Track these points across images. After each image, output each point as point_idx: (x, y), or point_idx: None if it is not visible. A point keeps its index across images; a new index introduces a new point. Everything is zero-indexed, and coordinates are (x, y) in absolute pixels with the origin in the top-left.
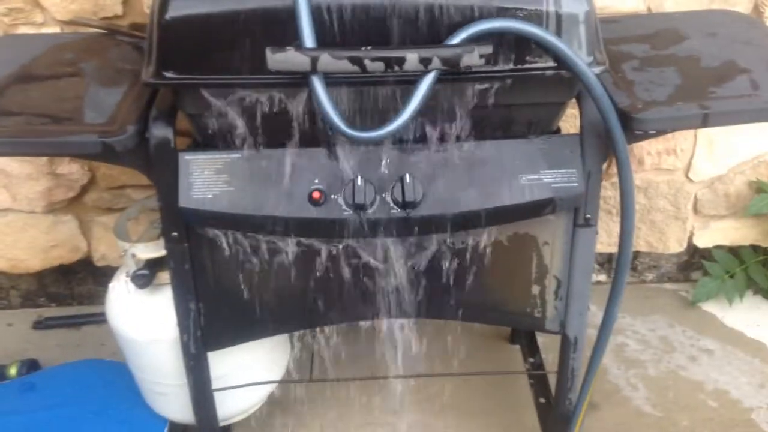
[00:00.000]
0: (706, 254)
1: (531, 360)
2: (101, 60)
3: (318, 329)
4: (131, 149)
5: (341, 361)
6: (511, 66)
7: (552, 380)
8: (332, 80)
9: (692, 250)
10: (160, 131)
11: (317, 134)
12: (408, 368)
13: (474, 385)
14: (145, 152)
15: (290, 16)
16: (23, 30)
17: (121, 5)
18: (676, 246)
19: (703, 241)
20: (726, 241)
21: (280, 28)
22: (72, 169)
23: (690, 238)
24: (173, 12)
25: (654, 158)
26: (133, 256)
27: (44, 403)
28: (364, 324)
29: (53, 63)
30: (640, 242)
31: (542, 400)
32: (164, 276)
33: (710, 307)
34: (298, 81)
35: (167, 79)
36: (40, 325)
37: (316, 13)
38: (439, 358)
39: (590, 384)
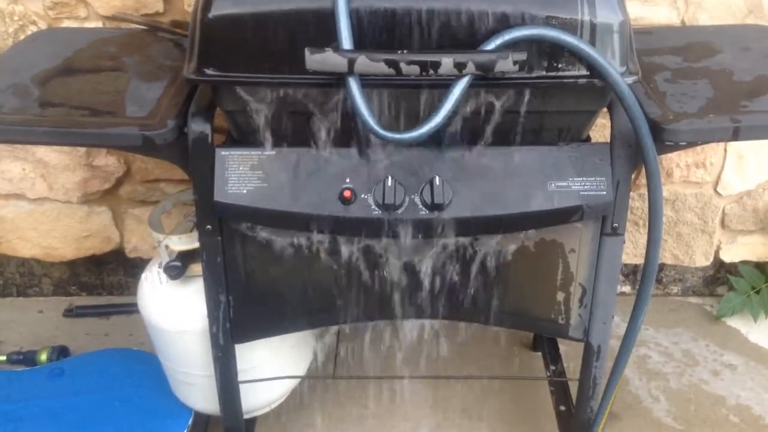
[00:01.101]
0: (732, 269)
1: (552, 368)
2: (142, 55)
3: (343, 327)
4: (170, 143)
5: (364, 360)
6: (544, 73)
7: (573, 389)
8: (368, 82)
9: (718, 265)
10: (198, 126)
11: (350, 134)
12: (430, 370)
13: (495, 390)
14: (183, 146)
15: (329, 18)
16: (67, 24)
17: (162, 2)
18: (702, 260)
19: (729, 256)
20: (752, 257)
21: (319, 30)
22: (108, 162)
23: (716, 253)
24: (216, 11)
25: (683, 171)
26: (167, 247)
27: (72, 389)
28: (387, 324)
29: (95, 57)
30: (666, 255)
31: (562, 408)
32: (196, 268)
33: (734, 322)
34: (335, 82)
35: (207, 75)
36: (70, 313)
37: (354, 16)
38: (461, 362)
39: (612, 393)
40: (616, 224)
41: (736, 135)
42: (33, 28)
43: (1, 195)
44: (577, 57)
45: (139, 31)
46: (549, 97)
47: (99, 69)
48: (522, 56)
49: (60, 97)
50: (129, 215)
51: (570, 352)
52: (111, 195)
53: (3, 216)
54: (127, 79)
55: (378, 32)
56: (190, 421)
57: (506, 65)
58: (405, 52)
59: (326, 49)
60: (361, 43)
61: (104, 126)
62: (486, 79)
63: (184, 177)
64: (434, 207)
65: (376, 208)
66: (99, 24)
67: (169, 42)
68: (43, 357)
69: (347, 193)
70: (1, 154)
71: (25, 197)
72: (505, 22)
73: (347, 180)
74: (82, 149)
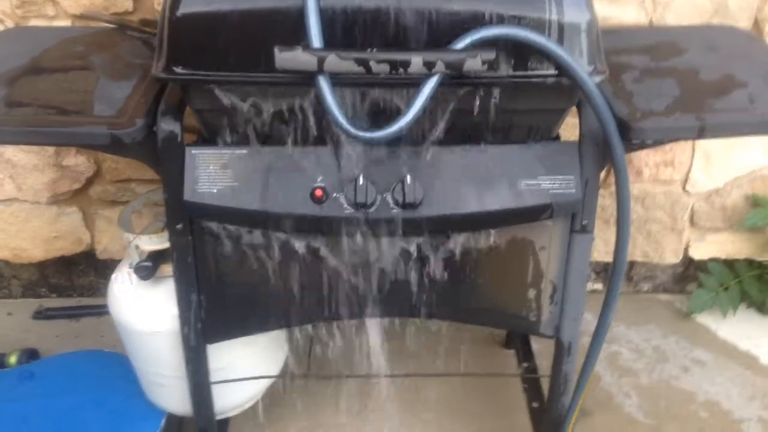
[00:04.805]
0: (701, 266)
1: (525, 364)
2: (111, 54)
3: (315, 325)
4: (139, 142)
5: (337, 358)
6: (513, 72)
7: (545, 385)
8: (338, 80)
9: (688, 262)
10: (167, 125)
11: (321, 133)
12: (402, 368)
13: (467, 387)
14: (152, 145)
15: (299, 16)
16: (35, 22)
17: (131, 1)
18: (671, 257)
19: (698, 253)
20: (721, 254)
21: (289, 28)
22: (78, 162)
23: (686, 250)
24: (184, 8)
25: (652, 169)
26: (137, 247)
27: (43, 392)
28: (359, 322)
29: (64, 56)
30: (637, 252)
31: (535, 405)
32: (166, 268)
33: (704, 318)
34: (305, 80)
35: (176, 74)
36: (40, 315)
37: (324, 15)
38: (434, 360)
39: (582, 389)
40: (585, 222)
41: (701, 133)
42: (0, 27)
43: None
44: (545, 56)
45: (109, 30)
46: (518, 96)
47: (67, 68)
48: (491, 55)
49: (27, 96)
50: (99, 216)
51: (543, 350)
52: (81, 195)
53: None
54: (96, 78)
55: (348, 31)
56: (163, 423)
57: (475, 64)
58: (375, 50)
59: (296, 47)
60: (331, 41)
61: (72, 125)
62: (455, 78)
63: (156, 177)
64: (406, 205)
65: (348, 207)
66: (68, 23)
67: (139, 41)
68: (13, 360)
69: (319, 192)
70: None
71: None
72: (474, 22)
73: (319, 179)
74: (51, 149)
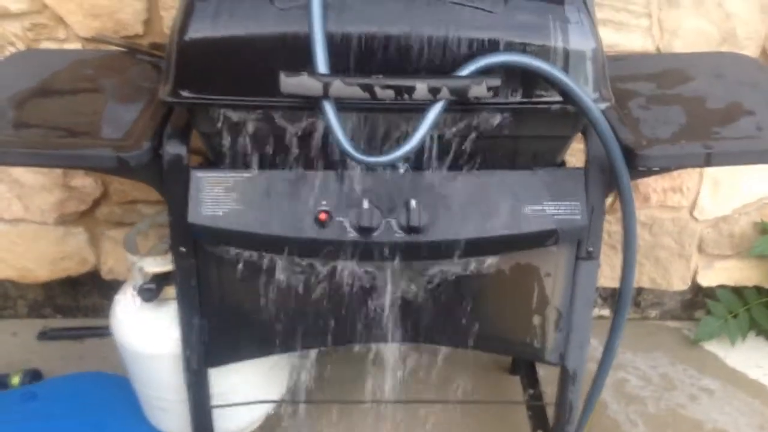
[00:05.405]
0: (709, 293)
1: (530, 391)
2: (120, 77)
3: (318, 351)
4: (145, 165)
5: (340, 384)
6: (518, 99)
7: (550, 412)
8: (343, 105)
9: (696, 289)
10: (173, 148)
11: (326, 157)
12: (408, 394)
13: (473, 414)
14: (158, 168)
15: (305, 42)
16: (46, 45)
17: (142, 24)
18: (679, 284)
19: (706, 280)
20: (730, 281)
21: (295, 54)
22: (85, 183)
23: (694, 277)
24: (192, 33)
25: (660, 195)
26: (141, 269)
27: (45, 414)
28: (364, 348)
29: (73, 78)
30: (644, 279)
31: None
32: (170, 291)
33: (712, 346)
34: (310, 105)
35: (183, 97)
36: (44, 335)
37: (330, 41)
38: (439, 387)
39: (588, 417)
40: (591, 248)
41: (708, 161)
42: (11, 49)
43: None
44: (550, 83)
45: (118, 53)
46: (523, 122)
47: (76, 90)
48: (496, 82)
49: (36, 118)
50: (105, 237)
51: (549, 377)
52: (88, 216)
53: None
54: (104, 100)
55: (354, 56)
56: None
57: (480, 91)
58: (380, 76)
59: (301, 72)
60: (337, 67)
61: (79, 147)
62: (460, 104)
63: (162, 198)
64: (410, 230)
65: (352, 231)
66: (78, 46)
67: (148, 64)
68: (16, 380)
69: (323, 216)
70: None
71: (1, 218)
72: (479, 49)
73: (323, 202)
74: (59, 170)
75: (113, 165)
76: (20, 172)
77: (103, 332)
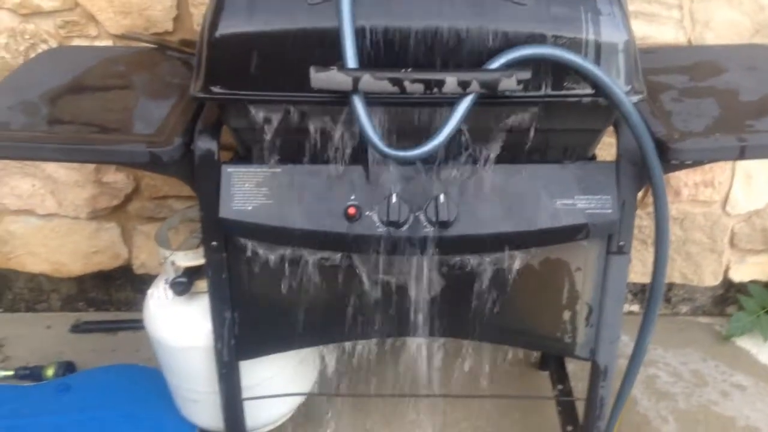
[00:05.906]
0: (741, 289)
1: (560, 387)
2: (151, 74)
3: (348, 344)
4: (177, 160)
5: (370, 377)
6: (548, 92)
7: (580, 408)
8: (372, 100)
9: (728, 284)
10: (205, 144)
11: (355, 151)
12: (437, 388)
13: (502, 409)
14: (189, 163)
15: (335, 36)
16: (77, 42)
17: (171, 21)
18: (711, 279)
19: (738, 276)
20: (762, 276)
21: (325, 49)
22: (117, 178)
23: (726, 272)
24: (223, 30)
25: (691, 190)
26: (173, 263)
27: (78, 405)
28: (394, 341)
29: (105, 75)
30: (675, 274)
31: (569, 429)
32: (202, 284)
33: (744, 342)
34: (340, 100)
35: (214, 93)
36: (77, 328)
37: (359, 35)
38: (469, 381)
39: (618, 413)
40: (622, 243)
41: (742, 154)
42: (44, 47)
43: (10, 211)
44: (581, 76)
45: (149, 50)
46: (554, 116)
47: (108, 87)
48: (526, 75)
49: (69, 114)
50: (137, 231)
51: (578, 372)
52: (120, 211)
53: (12, 232)
54: (136, 97)
55: (383, 51)
56: None
57: (510, 84)
58: (409, 70)
59: (331, 67)
60: (366, 61)
61: (112, 143)
62: (490, 98)
63: (193, 193)
64: (439, 224)
65: (381, 225)
66: (109, 43)
67: (178, 60)
68: (50, 372)
69: (352, 210)
70: (11, 170)
71: (35, 213)
72: (509, 41)
73: (352, 197)
74: (91, 166)
75: (146, 160)
76: (53, 168)
77: (136, 325)
